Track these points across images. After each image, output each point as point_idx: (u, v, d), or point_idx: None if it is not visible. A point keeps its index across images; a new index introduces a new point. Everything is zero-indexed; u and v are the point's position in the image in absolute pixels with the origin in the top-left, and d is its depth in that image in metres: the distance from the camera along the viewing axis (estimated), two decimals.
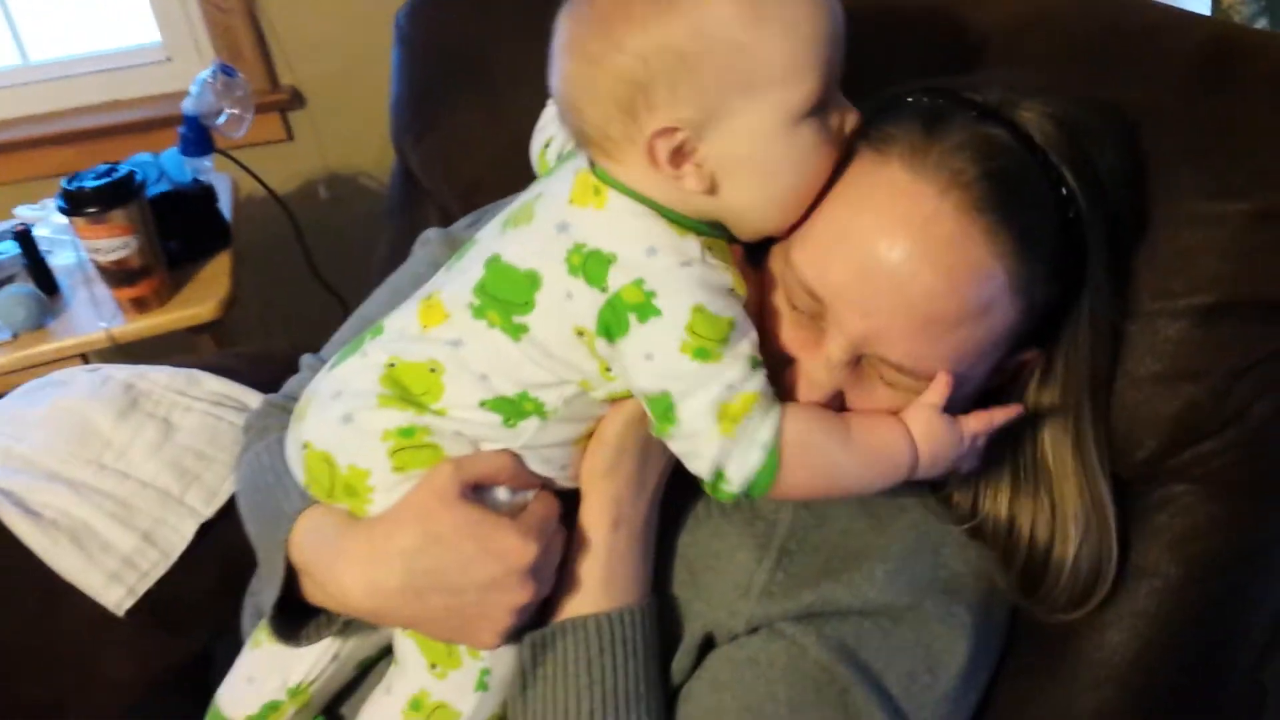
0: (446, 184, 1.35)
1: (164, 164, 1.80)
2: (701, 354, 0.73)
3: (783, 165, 0.74)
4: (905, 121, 0.77)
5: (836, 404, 0.80)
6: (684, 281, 0.73)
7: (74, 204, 1.62)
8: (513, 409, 0.79)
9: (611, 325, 0.74)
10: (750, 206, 0.76)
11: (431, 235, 1.06)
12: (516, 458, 0.80)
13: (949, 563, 0.88)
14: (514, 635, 0.81)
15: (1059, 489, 0.85)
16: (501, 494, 0.81)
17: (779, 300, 0.81)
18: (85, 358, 1.78)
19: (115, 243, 1.65)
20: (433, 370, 0.79)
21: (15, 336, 1.73)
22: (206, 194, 1.79)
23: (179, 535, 1.29)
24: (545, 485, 0.83)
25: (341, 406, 0.81)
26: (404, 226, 1.46)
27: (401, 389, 0.80)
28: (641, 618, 0.85)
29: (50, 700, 1.24)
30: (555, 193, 0.79)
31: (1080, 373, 0.83)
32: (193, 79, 1.77)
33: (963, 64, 0.97)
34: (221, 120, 1.75)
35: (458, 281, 0.81)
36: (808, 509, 0.89)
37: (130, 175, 1.64)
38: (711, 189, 0.74)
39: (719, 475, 0.75)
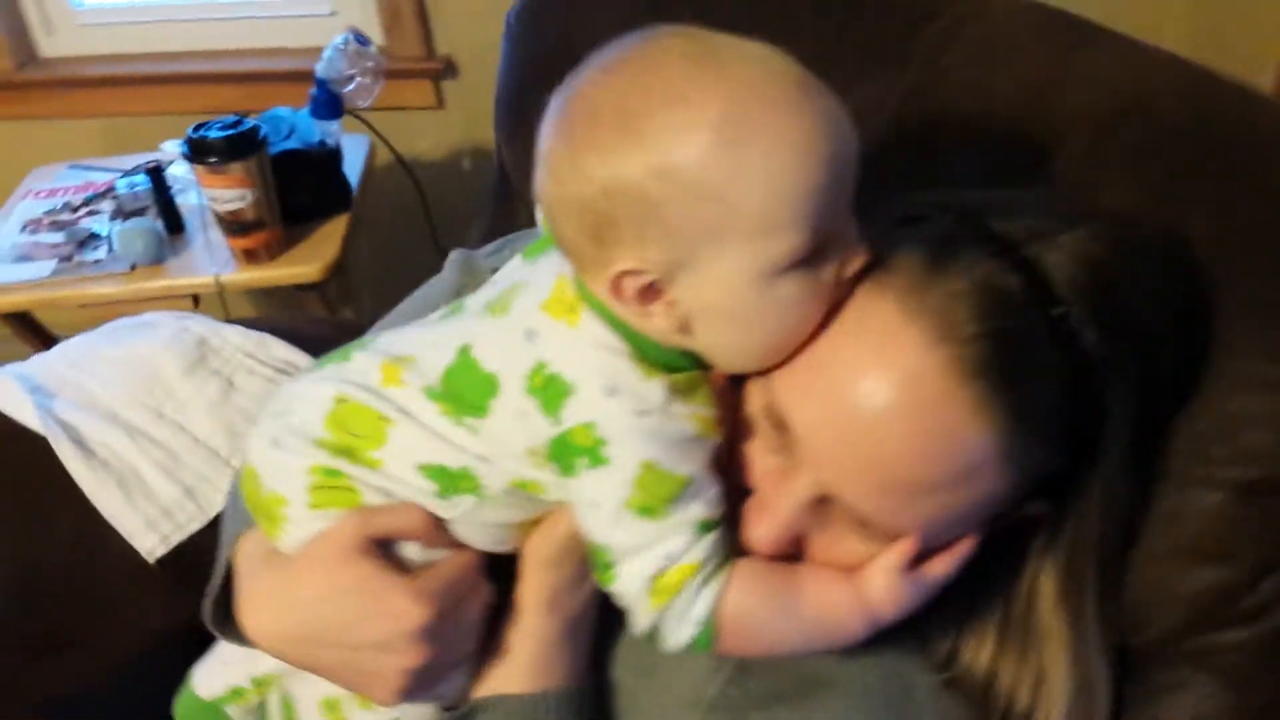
0: (528, 188, 1.32)
1: (297, 121, 1.83)
2: (646, 511, 0.68)
3: (759, 317, 0.67)
4: (912, 249, 0.69)
5: (796, 545, 0.74)
6: (637, 433, 0.67)
7: (197, 151, 1.66)
8: (450, 482, 0.74)
9: (560, 462, 0.70)
10: (725, 351, 0.69)
11: (455, 257, 1.03)
12: (432, 514, 0.76)
13: (920, 710, 0.80)
14: (422, 693, 0.78)
15: (1049, 657, 0.76)
16: (412, 549, 0.77)
17: (756, 418, 0.74)
18: (196, 299, 1.83)
19: (232, 194, 1.69)
20: (382, 419, 0.75)
21: (133, 269, 1.80)
22: (331, 156, 1.82)
23: (219, 495, 1.30)
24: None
25: (278, 428, 0.79)
26: (497, 217, 1.44)
27: (344, 430, 0.76)
28: (564, 704, 0.80)
29: (69, 631, 1.27)
30: (535, 290, 0.73)
31: (1089, 537, 0.74)
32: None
33: (1044, 153, 0.88)
34: (351, 87, 1.76)
35: (428, 357, 0.75)
36: None
37: (254, 130, 1.68)
38: (684, 329, 0.68)
39: (656, 635, 0.72)
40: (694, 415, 0.70)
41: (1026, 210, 0.71)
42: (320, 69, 1.73)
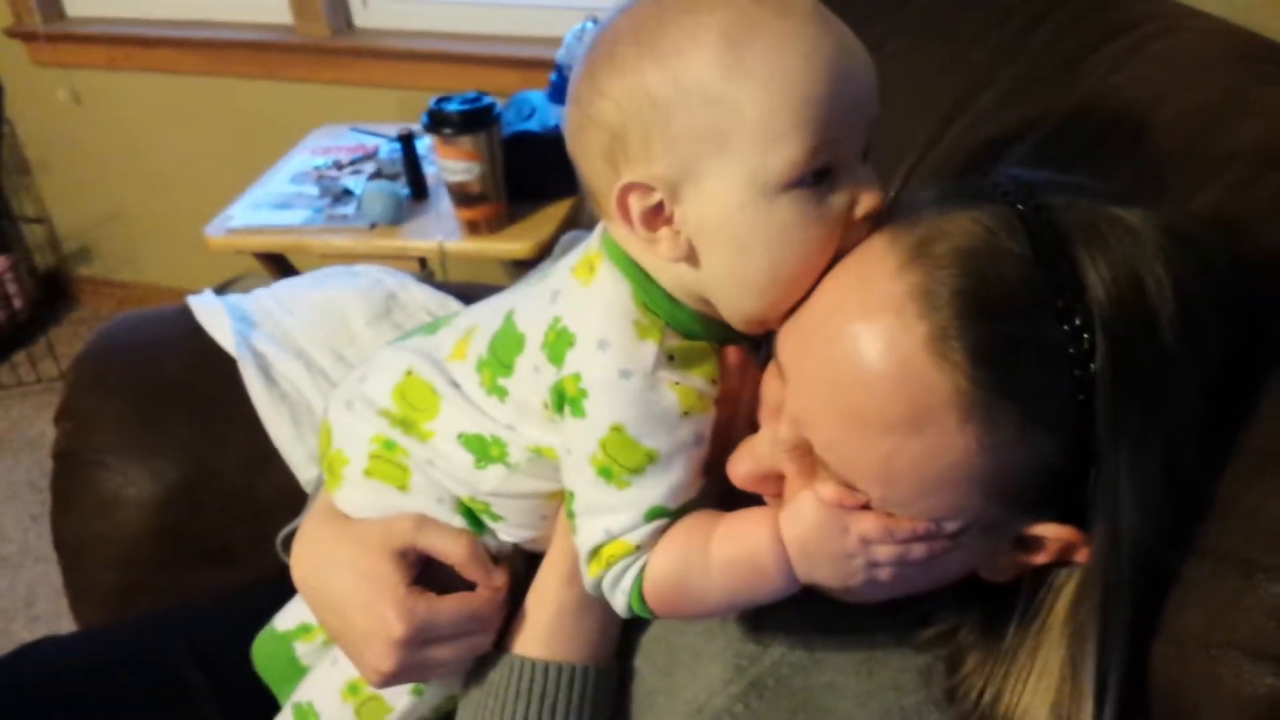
0: None
1: (542, 105, 1.89)
2: (606, 473, 0.68)
3: (756, 240, 0.64)
4: (933, 203, 0.65)
5: (772, 487, 0.71)
6: (614, 393, 0.68)
7: (435, 122, 1.75)
8: (484, 450, 0.77)
9: (558, 409, 0.71)
10: (727, 284, 0.67)
11: (566, 238, 1.04)
12: (479, 549, 0.80)
13: None
14: (401, 684, 0.83)
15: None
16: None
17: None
18: (423, 262, 1.93)
19: (460, 165, 1.77)
20: (435, 393, 0.80)
21: (372, 227, 1.92)
22: (560, 141, 1.85)
23: None
24: (511, 562, 0.83)
25: (354, 391, 0.85)
26: None
27: (405, 403, 0.81)
28: (569, 680, 0.80)
29: (225, 543, 1.37)
30: (573, 258, 0.75)
31: (1095, 587, 0.65)
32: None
33: (1195, 185, 0.78)
34: None
35: (487, 324, 0.79)
36: (806, 649, 0.78)
37: (489, 108, 1.75)
38: (690, 258, 0.67)
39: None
40: (684, 387, 0.69)
41: (1090, 190, 0.66)
42: (560, 55, 1.78)
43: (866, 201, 0.65)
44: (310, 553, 0.86)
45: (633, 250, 0.70)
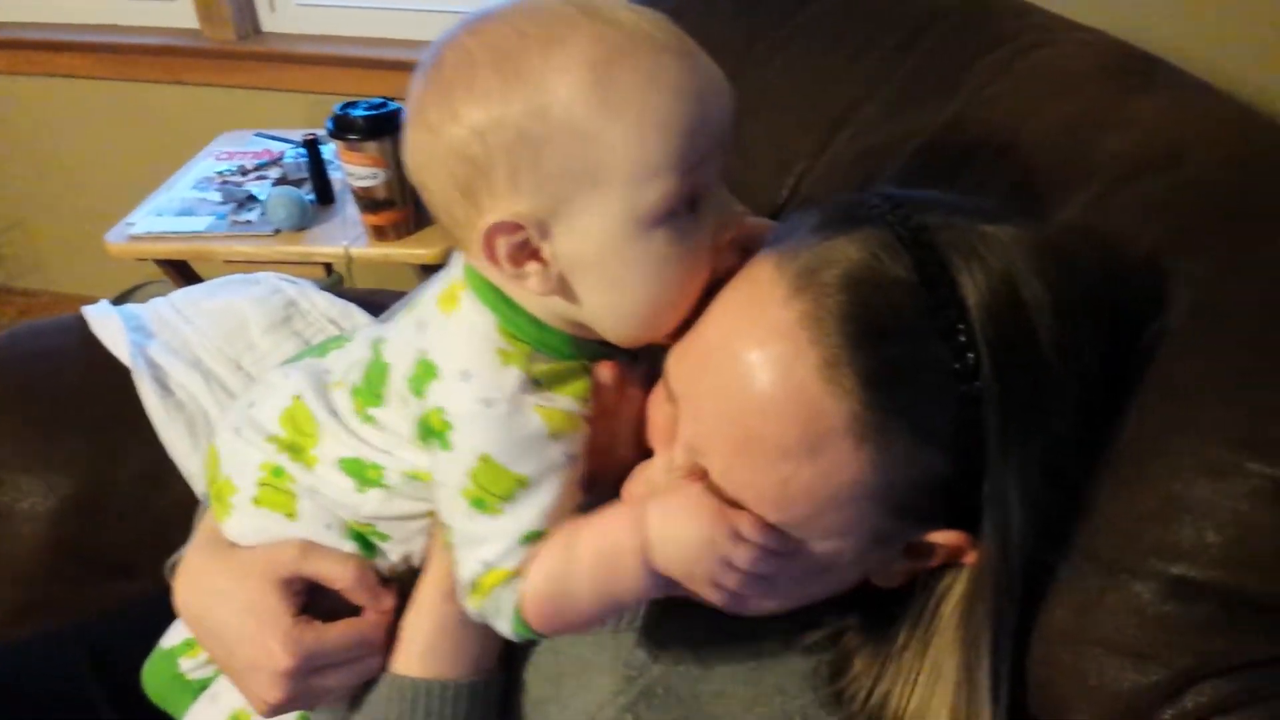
0: None
1: None
2: (479, 504, 0.68)
3: (632, 273, 0.65)
4: (817, 226, 0.66)
5: None
6: (479, 422, 0.67)
7: (340, 127, 1.74)
8: (361, 475, 0.77)
9: (424, 442, 0.71)
10: (605, 315, 0.68)
11: (459, 252, 1.04)
12: (367, 573, 0.79)
13: None
14: (289, 710, 0.81)
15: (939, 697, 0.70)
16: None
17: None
18: (328, 268, 1.92)
19: (365, 171, 1.76)
20: (316, 419, 0.79)
21: (276, 233, 1.90)
22: None
23: None
24: (402, 581, 0.81)
25: (242, 419, 0.83)
26: None
27: (294, 429, 0.79)
28: (453, 696, 0.80)
29: (124, 556, 1.35)
30: (437, 287, 0.75)
31: (986, 591, 0.67)
32: None
33: (1064, 195, 0.81)
34: None
35: (362, 355, 0.79)
36: (695, 657, 0.79)
37: (395, 113, 1.74)
38: (561, 291, 0.66)
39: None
40: (550, 409, 0.69)
41: (964, 209, 0.68)
42: None
43: (731, 225, 0.67)
44: (192, 583, 0.84)
45: (496, 281, 0.69)
